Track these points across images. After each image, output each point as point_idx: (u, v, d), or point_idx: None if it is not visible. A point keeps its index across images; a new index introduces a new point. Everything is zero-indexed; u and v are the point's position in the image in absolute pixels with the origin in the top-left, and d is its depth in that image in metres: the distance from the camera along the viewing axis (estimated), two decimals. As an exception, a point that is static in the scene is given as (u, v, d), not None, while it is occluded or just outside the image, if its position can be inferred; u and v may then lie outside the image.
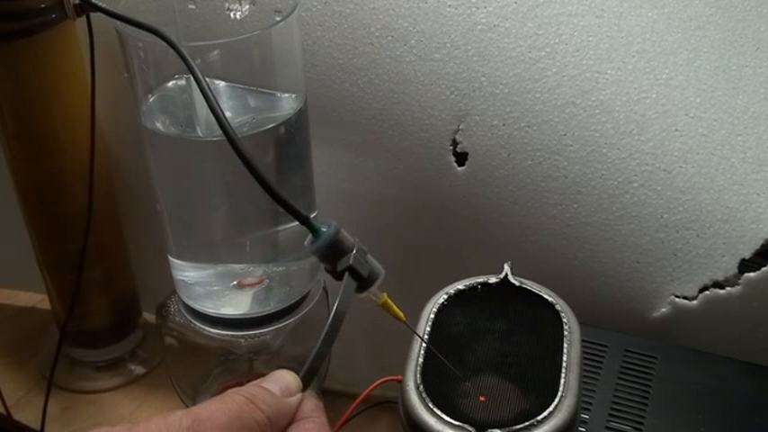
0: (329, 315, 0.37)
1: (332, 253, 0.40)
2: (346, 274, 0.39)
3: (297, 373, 0.37)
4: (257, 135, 0.51)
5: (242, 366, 0.62)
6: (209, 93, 0.41)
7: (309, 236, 0.40)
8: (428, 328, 0.43)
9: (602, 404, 0.51)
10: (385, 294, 0.41)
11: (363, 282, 0.40)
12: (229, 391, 0.35)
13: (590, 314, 0.54)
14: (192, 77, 0.43)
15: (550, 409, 0.38)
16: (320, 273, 0.58)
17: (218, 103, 0.41)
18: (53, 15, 0.58)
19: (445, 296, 0.45)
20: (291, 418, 0.36)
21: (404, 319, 0.42)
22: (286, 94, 0.53)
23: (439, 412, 0.38)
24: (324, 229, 0.39)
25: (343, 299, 0.38)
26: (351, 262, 0.39)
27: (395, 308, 0.42)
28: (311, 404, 0.37)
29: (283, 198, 0.39)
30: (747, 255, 0.54)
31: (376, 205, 0.63)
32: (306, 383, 0.37)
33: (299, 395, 0.37)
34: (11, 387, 0.73)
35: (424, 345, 0.42)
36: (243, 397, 0.35)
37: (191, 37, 0.59)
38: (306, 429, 0.36)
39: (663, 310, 0.57)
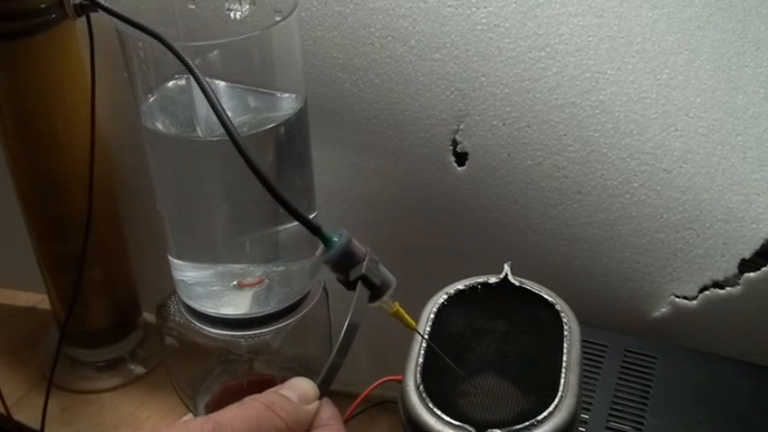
0: (329, 320, 0.37)
1: (344, 262, 0.39)
2: (359, 283, 0.39)
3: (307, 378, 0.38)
4: (257, 135, 0.51)
5: (242, 366, 0.62)
6: (212, 95, 0.41)
7: (321, 246, 0.40)
8: (428, 328, 0.43)
9: (602, 404, 0.51)
10: (397, 303, 0.41)
11: (376, 291, 0.40)
12: (248, 398, 0.35)
13: (590, 314, 0.54)
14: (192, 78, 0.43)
15: (550, 409, 0.38)
16: (320, 273, 0.58)
17: (221, 106, 0.41)
18: (53, 15, 0.59)
19: (445, 296, 0.45)
20: (309, 426, 0.36)
21: (416, 327, 0.42)
22: (286, 94, 0.53)
23: (439, 412, 0.38)
24: (335, 239, 0.39)
25: (356, 309, 0.38)
26: (363, 271, 0.39)
27: (407, 317, 0.42)
28: (328, 412, 0.37)
29: (294, 208, 0.39)
30: (747, 255, 0.54)
31: (376, 205, 0.63)
32: (322, 393, 0.37)
33: (317, 403, 0.37)
34: (11, 387, 0.73)
35: (424, 344, 0.42)
36: (262, 404, 0.35)
37: (191, 37, 0.59)
38: None
39: (663, 310, 0.57)
